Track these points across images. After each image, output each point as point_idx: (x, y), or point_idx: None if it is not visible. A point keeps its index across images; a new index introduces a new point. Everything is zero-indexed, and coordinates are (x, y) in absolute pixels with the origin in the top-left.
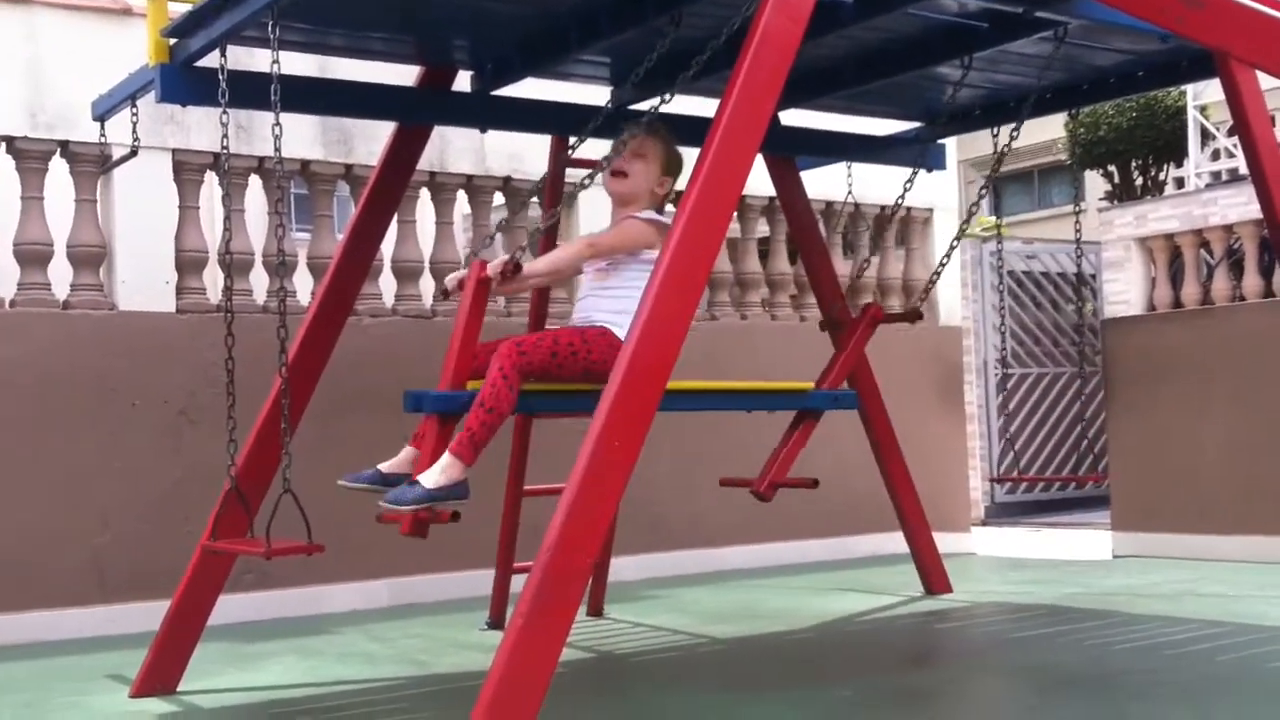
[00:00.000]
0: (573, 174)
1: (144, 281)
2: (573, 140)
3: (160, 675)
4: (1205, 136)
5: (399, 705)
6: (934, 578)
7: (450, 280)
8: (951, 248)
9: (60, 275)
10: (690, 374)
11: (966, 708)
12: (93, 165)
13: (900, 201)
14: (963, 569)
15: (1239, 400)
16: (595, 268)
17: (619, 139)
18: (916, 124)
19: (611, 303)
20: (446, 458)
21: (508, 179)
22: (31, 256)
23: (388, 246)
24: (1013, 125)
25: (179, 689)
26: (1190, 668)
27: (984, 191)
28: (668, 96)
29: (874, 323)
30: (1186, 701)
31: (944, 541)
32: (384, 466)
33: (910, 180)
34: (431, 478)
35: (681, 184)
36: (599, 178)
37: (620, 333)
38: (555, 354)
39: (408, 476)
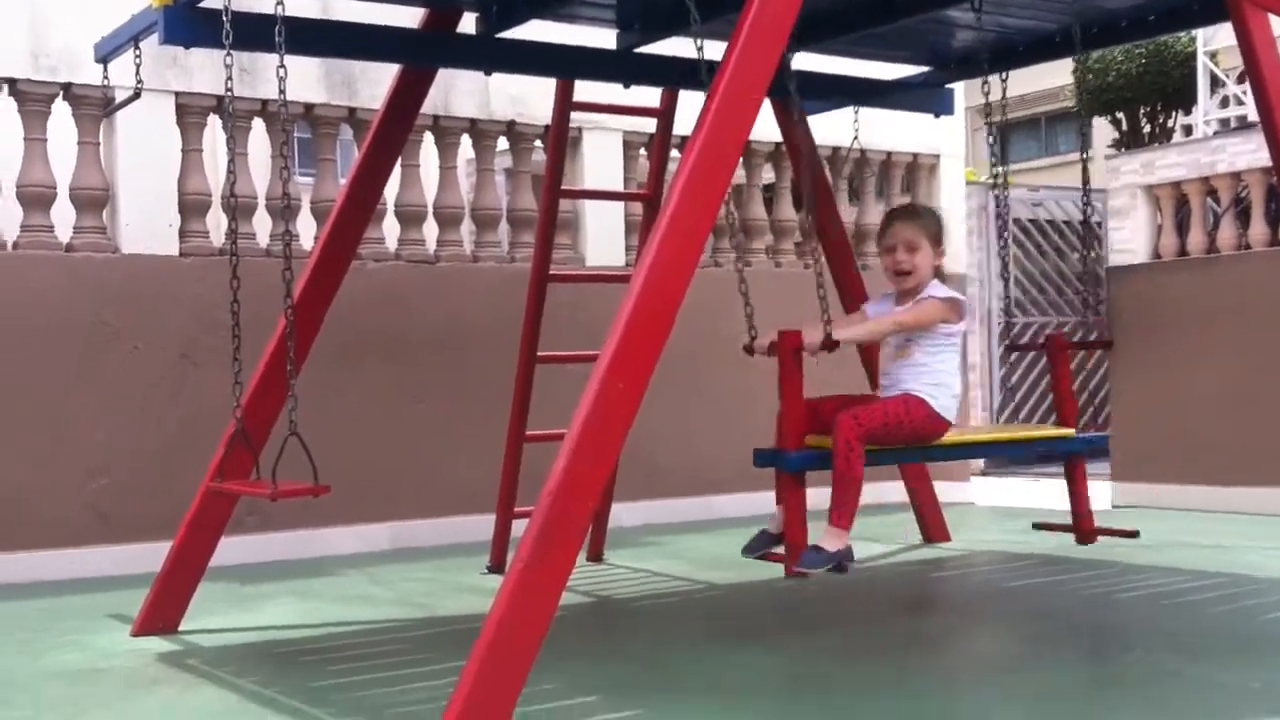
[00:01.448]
0: (577, 118)
1: (147, 224)
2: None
3: (161, 615)
4: (1215, 83)
5: (399, 646)
6: (932, 526)
7: (760, 345)
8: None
9: (63, 218)
10: (693, 321)
11: (962, 654)
12: (96, 108)
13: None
14: (961, 518)
15: (1242, 350)
16: (896, 344)
17: (887, 237)
18: (924, 69)
19: (924, 376)
20: (830, 529)
21: (512, 123)
22: (34, 199)
23: (391, 190)
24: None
25: (180, 628)
26: (1186, 618)
27: (992, 141)
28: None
29: (1065, 351)
30: (1181, 651)
31: (943, 491)
32: (770, 528)
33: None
34: (830, 542)
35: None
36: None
37: (935, 405)
38: (886, 424)
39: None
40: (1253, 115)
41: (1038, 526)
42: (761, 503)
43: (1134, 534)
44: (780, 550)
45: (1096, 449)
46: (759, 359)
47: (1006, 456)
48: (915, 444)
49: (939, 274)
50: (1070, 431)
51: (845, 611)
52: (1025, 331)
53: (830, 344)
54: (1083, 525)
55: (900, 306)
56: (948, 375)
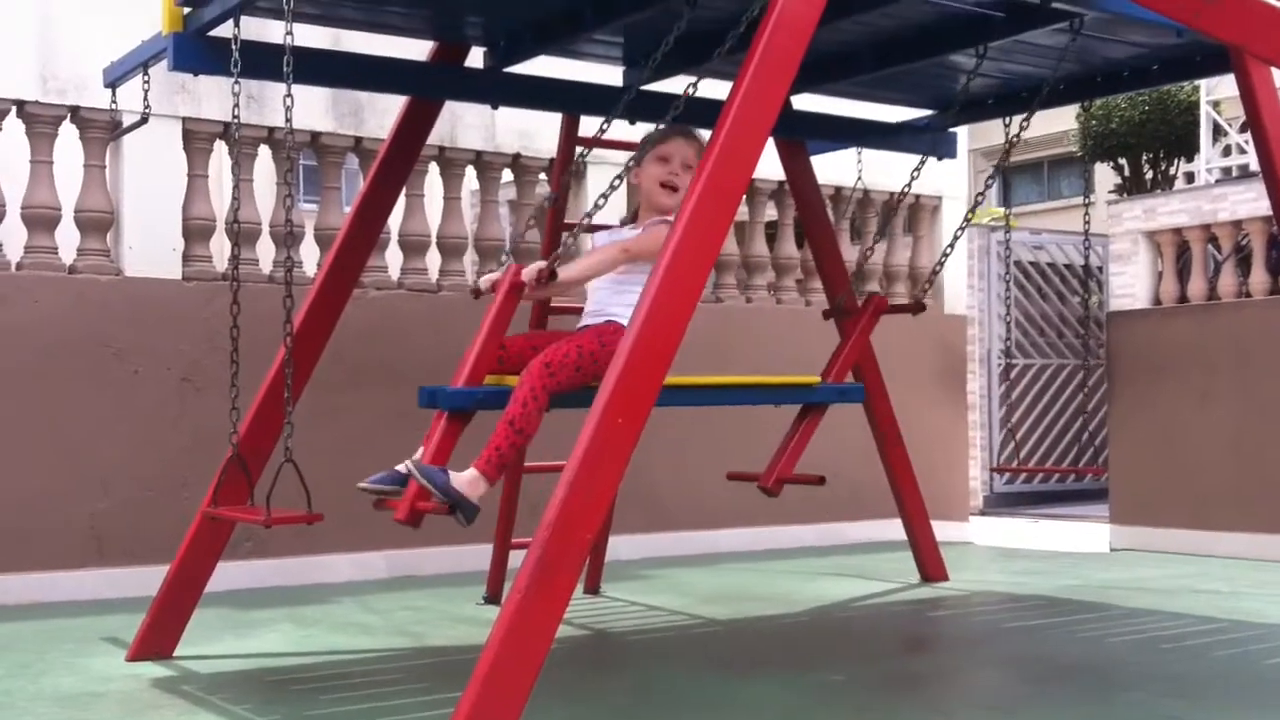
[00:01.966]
0: (582, 152)
1: (151, 248)
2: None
3: (157, 640)
4: (1217, 132)
5: (394, 676)
6: (931, 565)
7: (484, 281)
8: (955, 237)
9: (67, 240)
10: (694, 356)
11: (959, 695)
12: (103, 131)
13: (907, 190)
14: (960, 558)
15: (1241, 397)
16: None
17: (650, 146)
18: (929, 112)
19: (626, 296)
20: (473, 472)
21: (517, 156)
22: (39, 220)
23: (395, 220)
24: (1024, 116)
25: (175, 654)
26: (1185, 662)
27: (990, 181)
28: (693, 87)
29: (878, 313)
30: (1181, 695)
31: (942, 530)
32: (400, 467)
33: (919, 168)
34: (460, 483)
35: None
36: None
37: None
38: (580, 367)
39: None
40: (1254, 164)
41: (731, 477)
42: (763, 537)
43: (820, 480)
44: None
45: (852, 401)
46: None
47: (748, 404)
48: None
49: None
50: (815, 379)
51: (842, 649)
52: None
53: (547, 274)
54: (772, 470)
55: (631, 234)
56: None
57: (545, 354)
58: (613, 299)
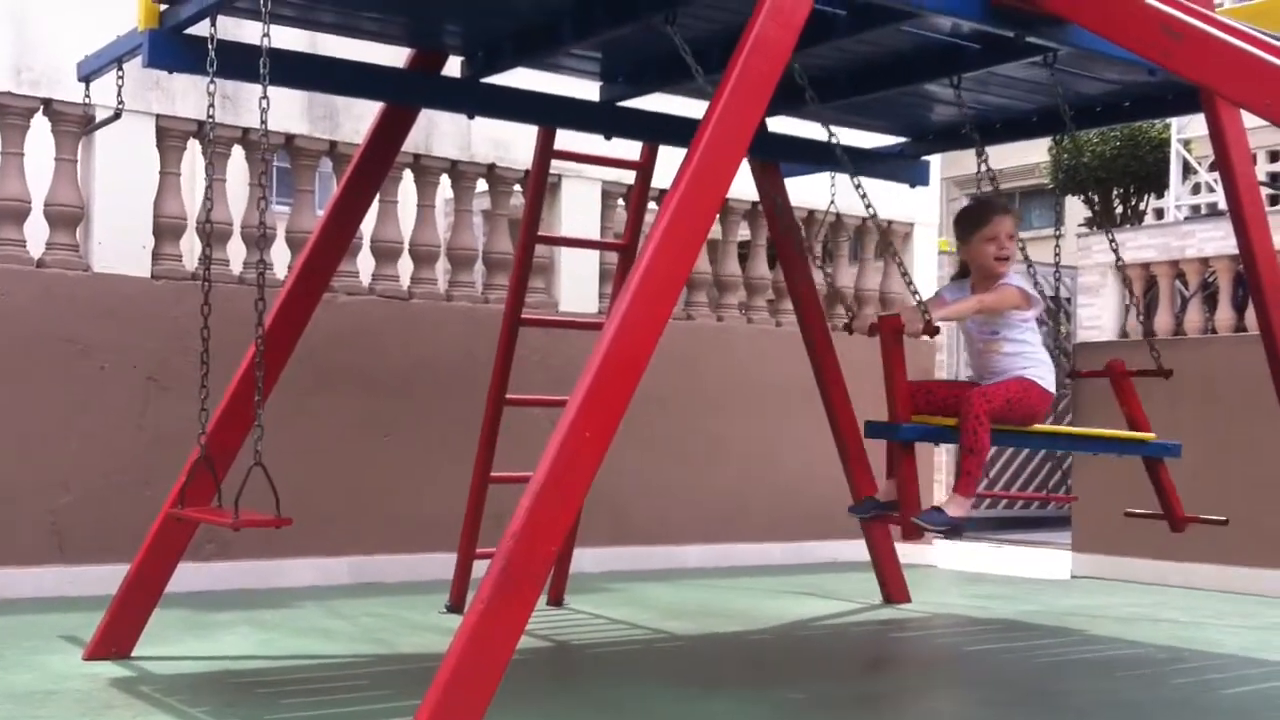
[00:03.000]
0: (558, 165)
1: (120, 245)
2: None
3: (115, 639)
4: (1187, 169)
5: (355, 682)
6: (893, 587)
7: (861, 326)
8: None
9: (36, 234)
10: (664, 372)
11: (918, 716)
12: (75, 125)
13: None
14: (922, 580)
15: (1204, 430)
16: (983, 338)
17: (990, 227)
18: (903, 139)
19: (1024, 358)
20: (956, 496)
21: (492, 166)
22: (8, 213)
23: (367, 225)
24: (998, 147)
25: (133, 654)
26: (1141, 690)
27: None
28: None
29: (1124, 374)
30: None
31: (905, 552)
32: (880, 496)
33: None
34: (953, 509)
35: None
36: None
37: (1044, 384)
38: (1009, 401)
39: (895, 502)
40: (1223, 203)
41: (1129, 515)
42: (727, 554)
43: (1224, 522)
44: (895, 514)
45: (1173, 455)
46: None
47: (1096, 452)
48: (1025, 422)
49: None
50: (1151, 435)
51: (803, 667)
52: None
53: (931, 329)
54: (1175, 514)
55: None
56: (1041, 352)
57: (980, 390)
58: (1010, 361)
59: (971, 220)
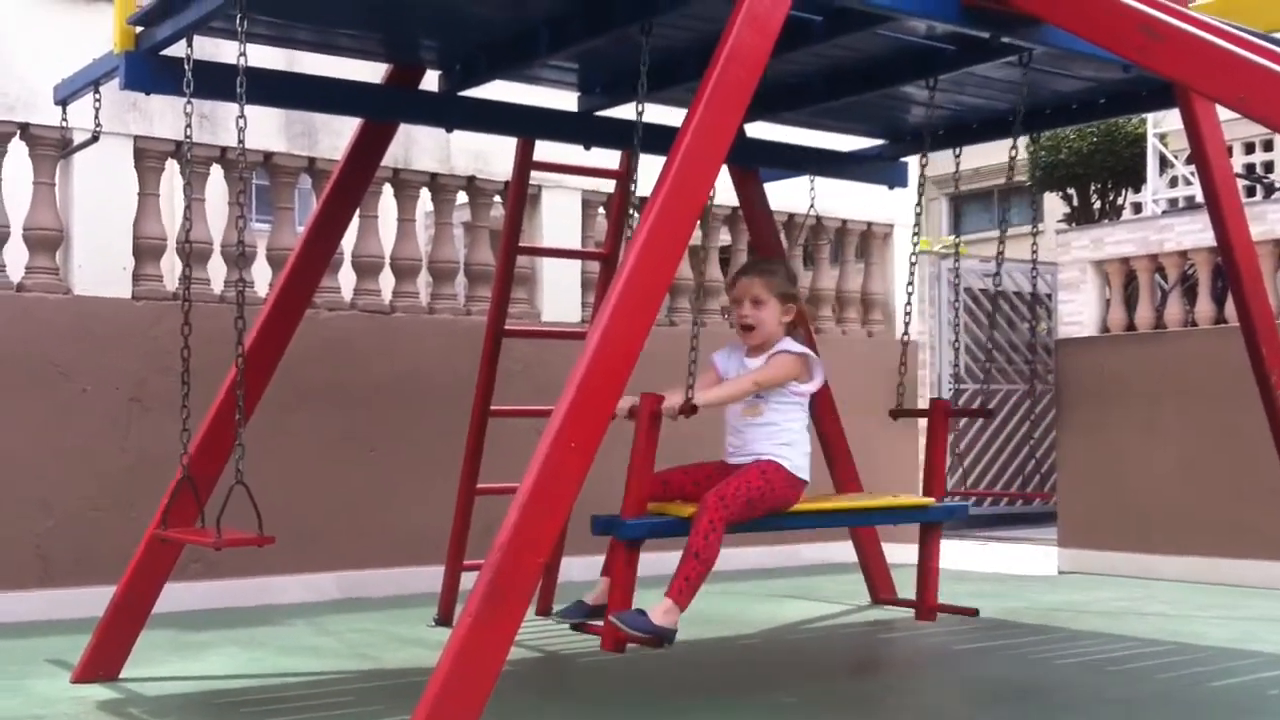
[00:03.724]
0: (537, 176)
1: (101, 267)
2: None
3: (102, 662)
4: (1164, 164)
5: (343, 699)
6: (881, 587)
7: (622, 408)
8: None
9: (16, 258)
10: (647, 380)
11: (907, 716)
12: (53, 149)
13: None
14: (909, 579)
15: (1187, 424)
16: (745, 402)
17: (734, 290)
18: (880, 141)
19: (776, 437)
20: (668, 603)
21: (471, 178)
22: None
23: (348, 241)
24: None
25: (121, 676)
26: (1129, 684)
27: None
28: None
29: (946, 417)
30: (1124, 717)
31: (892, 552)
32: (589, 598)
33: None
34: (658, 616)
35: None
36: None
37: (789, 466)
38: (750, 500)
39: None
40: (1200, 196)
41: (877, 602)
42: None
43: (973, 612)
44: (600, 624)
45: (957, 518)
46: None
47: (869, 524)
48: (774, 513)
49: (793, 331)
50: (930, 500)
51: (793, 670)
52: (975, 397)
53: (689, 409)
54: (925, 602)
55: (752, 361)
56: (798, 434)
57: (718, 489)
58: (758, 438)
59: (728, 282)
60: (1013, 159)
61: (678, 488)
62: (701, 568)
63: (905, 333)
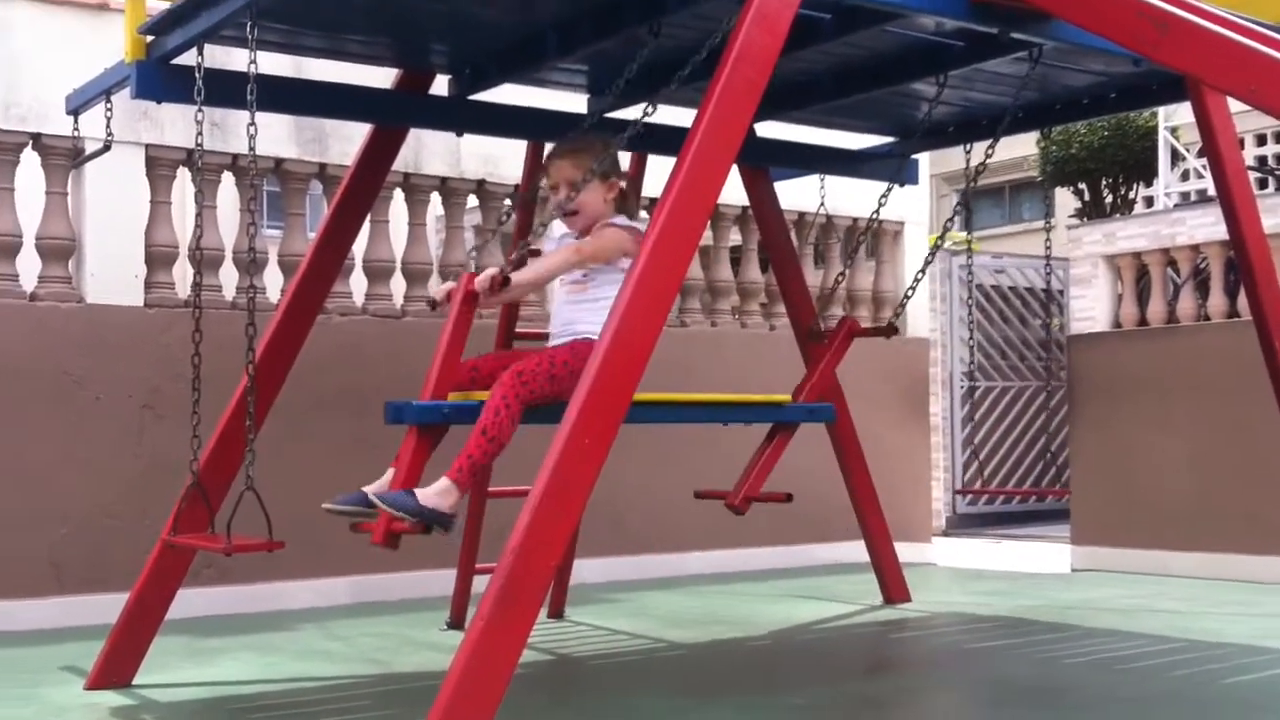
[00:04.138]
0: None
1: (113, 275)
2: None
3: (116, 668)
4: (1175, 157)
5: (357, 704)
6: (893, 587)
7: (438, 291)
8: (927, 262)
9: (28, 267)
10: (660, 379)
11: (920, 717)
12: (65, 158)
13: (876, 217)
14: (922, 579)
15: (1200, 419)
16: (571, 279)
17: (549, 175)
18: (890, 139)
19: (594, 314)
20: (445, 482)
21: (482, 182)
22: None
23: (359, 246)
24: (987, 143)
25: (134, 682)
26: (1145, 683)
27: (956, 210)
28: (650, 109)
29: (850, 337)
30: (1138, 716)
31: (904, 551)
32: (369, 489)
33: (885, 195)
34: (428, 497)
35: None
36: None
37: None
38: (553, 377)
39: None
40: (1212, 190)
41: (699, 495)
42: (728, 560)
43: (787, 498)
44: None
45: (822, 420)
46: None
47: (719, 421)
48: None
49: (624, 206)
50: (786, 397)
51: (805, 671)
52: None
53: (501, 281)
54: (740, 489)
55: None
56: None
57: (518, 364)
58: (580, 315)
59: (543, 166)
60: (986, 157)
61: (487, 374)
62: (489, 447)
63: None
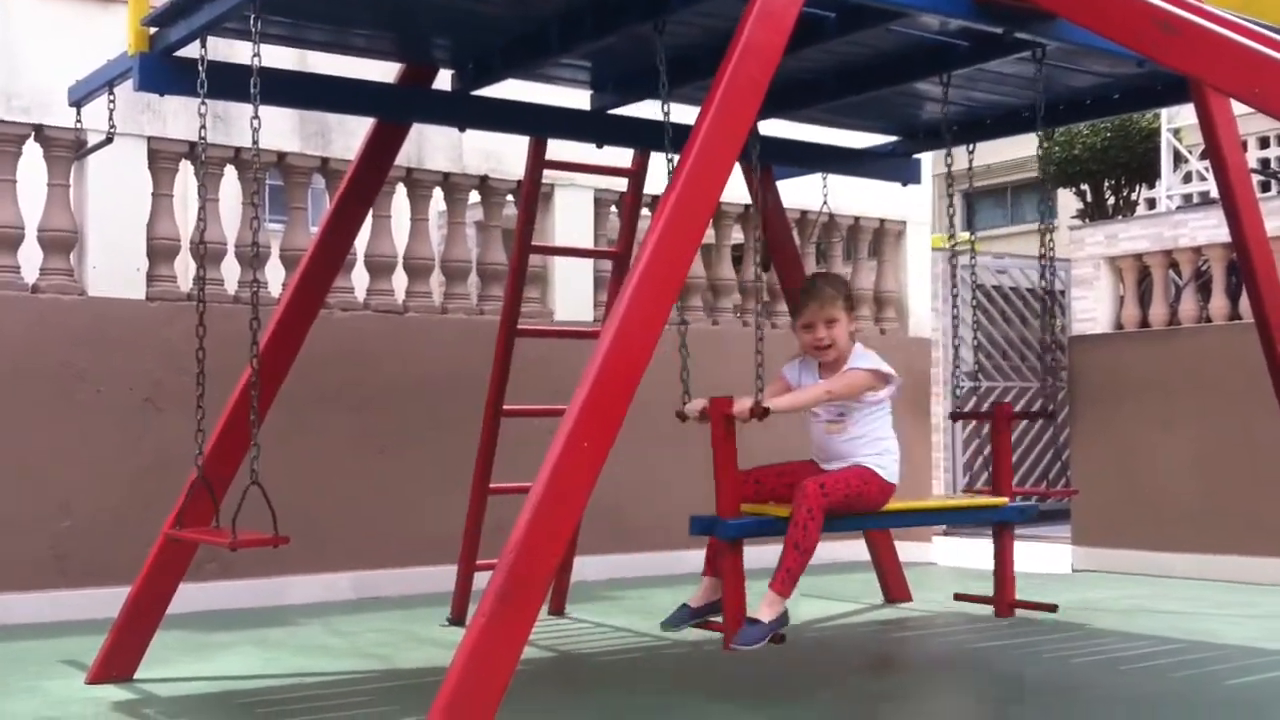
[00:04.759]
0: (550, 174)
1: (115, 268)
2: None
3: (118, 662)
4: (1178, 159)
5: (358, 699)
6: (894, 586)
7: (692, 409)
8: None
9: (30, 259)
10: (660, 379)
11: (921, 715)
12: (67, 150)
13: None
14: (923, 578)
15: (1201, 421)
16: (828, 417)
17: (804, 315)
18: (893, 138)
19: (868, 446)
20: (771, 595)
21: (484, 178)
22: (1, 240)
23: (361, 241)
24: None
25: (136, 676)
26: (1145, 683)
27: (951, 210)
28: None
29: (1009, 420)
30: (1141, 716)
31: (905, 550)
32: (692, 602)
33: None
34: (766, 614)
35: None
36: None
37: (885, 475)
38: (848, 495)
39: (715, 604)
40: (1214, 192)
41: (959, 598)
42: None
43: (1053, 608)
44: (718, 619)
45: (1029, 517)
46: (691, 425)
47: (945, 524)
48: (863, 514)
49: (856, 337)
50: (1004, 500)
51: (807, 670)
52: (989, 395)
53: (760, 411)
54: (1004, 597)
55: (824, 376)
56: (888, 441)
57: (817, 478)
58: (850, 449)
59: (797, 305)
60: (1051, 138)
61: (770, 489)
62: (802, 558)
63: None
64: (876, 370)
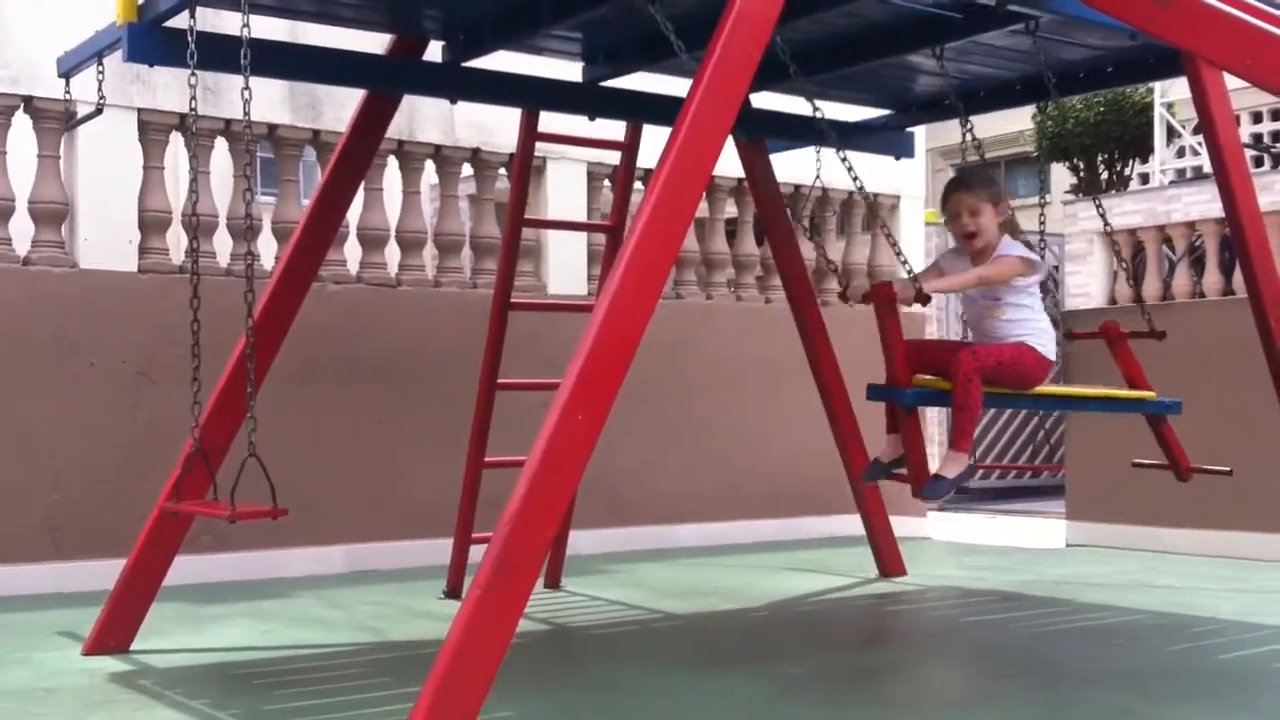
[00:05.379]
0: (542, 147)
1: (106, 240)
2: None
3: (113, 634)
4: (1171, 133)
5: (354, 671)
6: (889, 561)
7: (854, 293)
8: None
9: (21, 231)
10: (654, 353)
11: (915, 689)
12: (57, 122)
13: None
14: (917, 553)
15: (1195, 397)
16: (985, 302)
17: (949, 206)
18: (887, 111)
19: (1025, 325)
20: (953, 454)
21: (476, 150)
22: None
23: (353, 214)
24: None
25: (132, 648)
26: (1137, 657)
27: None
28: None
29: (1122, 337)
30: (1132, 689)
31: (900, 525)
32: (883, 456)
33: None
34: (951, 470)
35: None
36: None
37: (1042, 350)
38: (1000, 363)
39: (902, 458)
40: (1207, 166)
41: (1137, 465)
42: (723, 532)
43: (1228, 472)
44: (903, 470)
45: (1175, 410)
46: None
47: (1090, 411)
48: (1020, 386)
49: (1010, 228)
50: (1151, 394)
51: (801, 643)
52: None
53: (922, 297)
54: (1181, 465)
55: (975, 264)
56: (1042, 321)
57: (970, 349)
58: (1009, 329)
59: (941, 199)
60: (1044, 111)
61: (932, 359)
62: (968, 415)
63: None
64: (1024, 257)
